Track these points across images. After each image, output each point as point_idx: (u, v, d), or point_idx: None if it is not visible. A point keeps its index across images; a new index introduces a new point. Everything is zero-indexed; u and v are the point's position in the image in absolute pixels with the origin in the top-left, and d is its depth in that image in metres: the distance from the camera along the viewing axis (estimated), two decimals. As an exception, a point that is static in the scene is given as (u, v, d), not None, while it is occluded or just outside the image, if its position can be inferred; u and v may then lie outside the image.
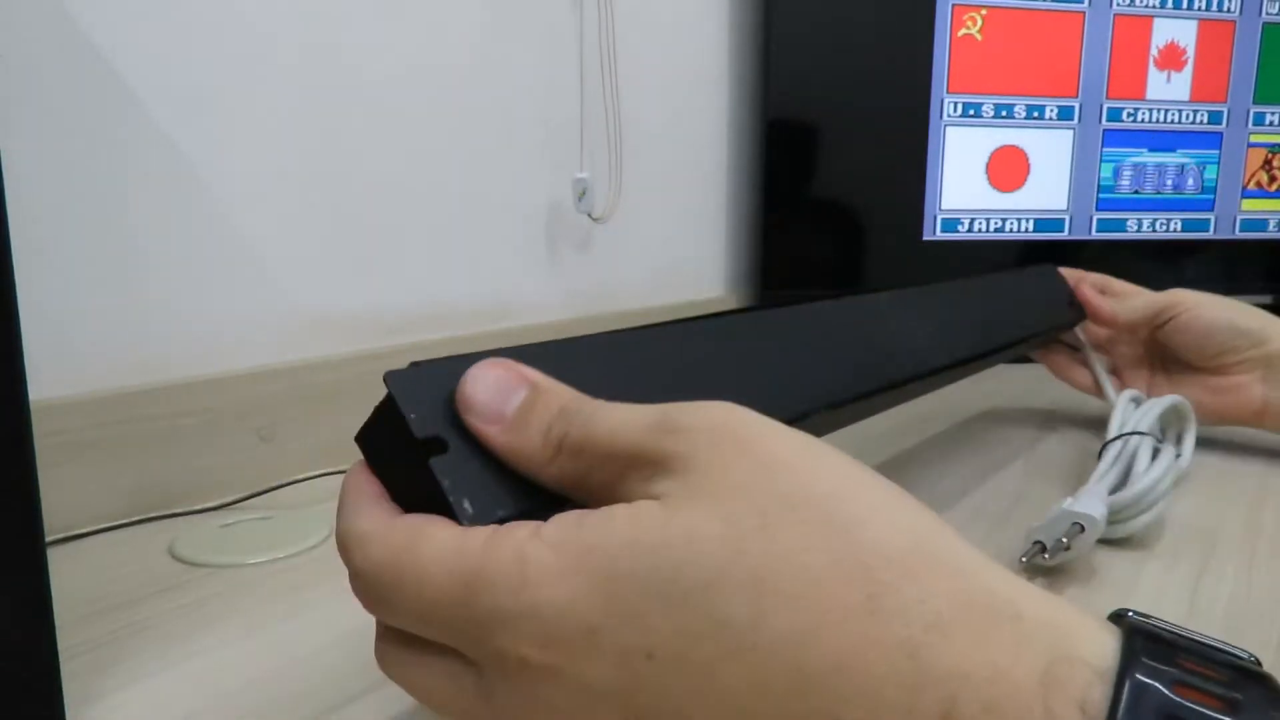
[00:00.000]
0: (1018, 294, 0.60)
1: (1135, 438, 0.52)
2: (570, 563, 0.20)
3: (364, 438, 0.25)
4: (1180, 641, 0.19)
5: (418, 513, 0.23)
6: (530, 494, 0.23)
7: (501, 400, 0.23)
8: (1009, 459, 0.64)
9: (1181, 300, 0.64)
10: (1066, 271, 0.70)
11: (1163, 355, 0.67)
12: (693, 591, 0.19)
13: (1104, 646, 0.18)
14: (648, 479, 0.21)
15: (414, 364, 0.24)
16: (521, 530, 0.21)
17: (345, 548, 0.23)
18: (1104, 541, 0.48)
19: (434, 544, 0.21)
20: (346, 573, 0.23)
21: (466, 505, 0.22)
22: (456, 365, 0.24)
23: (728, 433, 0.21)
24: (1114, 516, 0.46)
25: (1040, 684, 0.17)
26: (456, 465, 0.22)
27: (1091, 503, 0.43)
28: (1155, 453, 0.51)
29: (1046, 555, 0.42)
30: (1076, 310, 0.68)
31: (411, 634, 0.22)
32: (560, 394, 0.23)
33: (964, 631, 0.18)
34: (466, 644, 0.21)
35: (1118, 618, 0.20)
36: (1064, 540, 0.42)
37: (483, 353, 0.24)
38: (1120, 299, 0.67)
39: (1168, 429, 0.59)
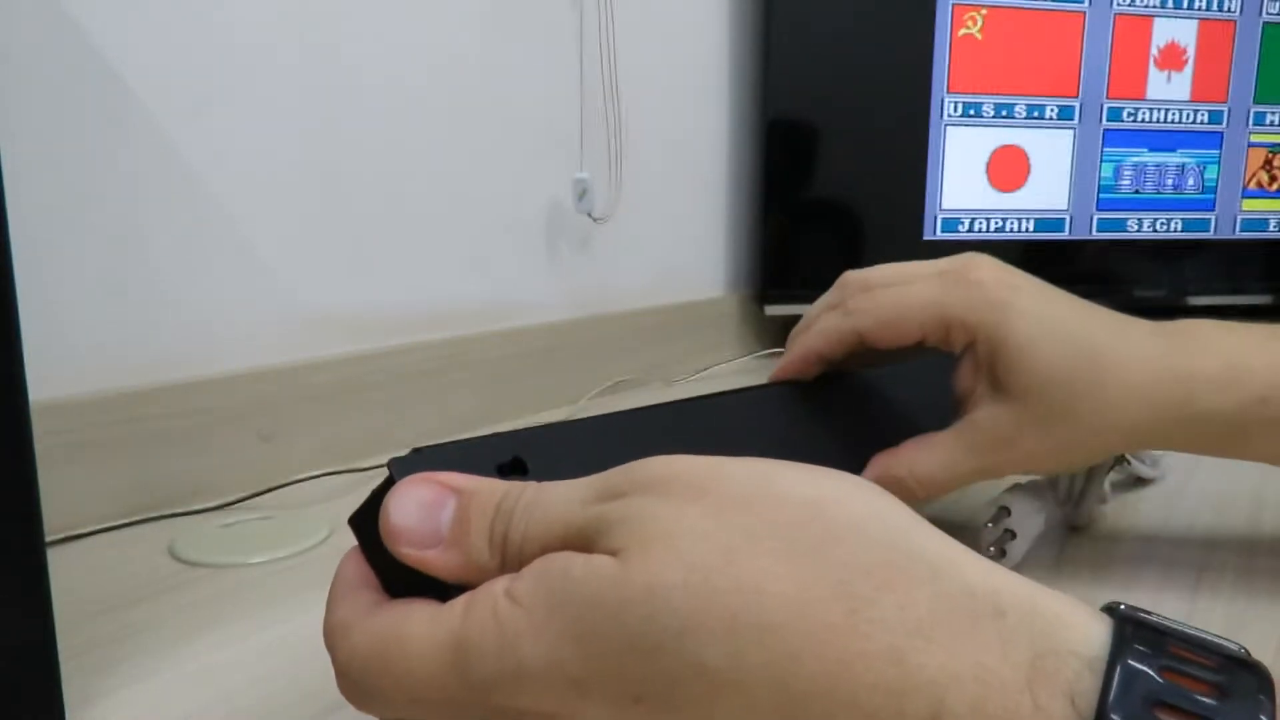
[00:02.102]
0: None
1: None
2: (540, 620, 0.20)
3: (358, 521, 0.25)
4: (1170, 630, 0.19)
5: (407, 596, 0.22)
6: None
7: (431, 520, 0.22)
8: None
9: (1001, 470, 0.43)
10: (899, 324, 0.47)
11: None
12: (665, 641, 0.19)
13: (1092, 636, 0.18)
14: (600, 547, 0.21)
15: (416, 450, 0.24)
16: (497, 586, 0.21)
17: (329, 641, 0.23)
18: (1105, 540, 0.48)
19: (416, 622, 0.21)
20: None
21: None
22: (460, 450, 0.24)
23: (675, 480, 0.21)
24: (1062, 499, 0.48)
25: (1027, 679, 0.17)
26: None
27: (1019, 488, 0.45)
28: None
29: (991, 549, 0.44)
30: None
31: None
32: (490, 492, 0.22)
33: (947, 634, 0.18)
34: (471, 710, 0.21)
35: (1108, 610, 0.20)
36: (987, 523, 0.43)
37: (484, 438, 0.25)
38: (908, 465, 0.42)
39: None
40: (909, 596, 0.18)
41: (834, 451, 0.40)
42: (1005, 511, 0.44)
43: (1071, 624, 0.18)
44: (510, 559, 0.21)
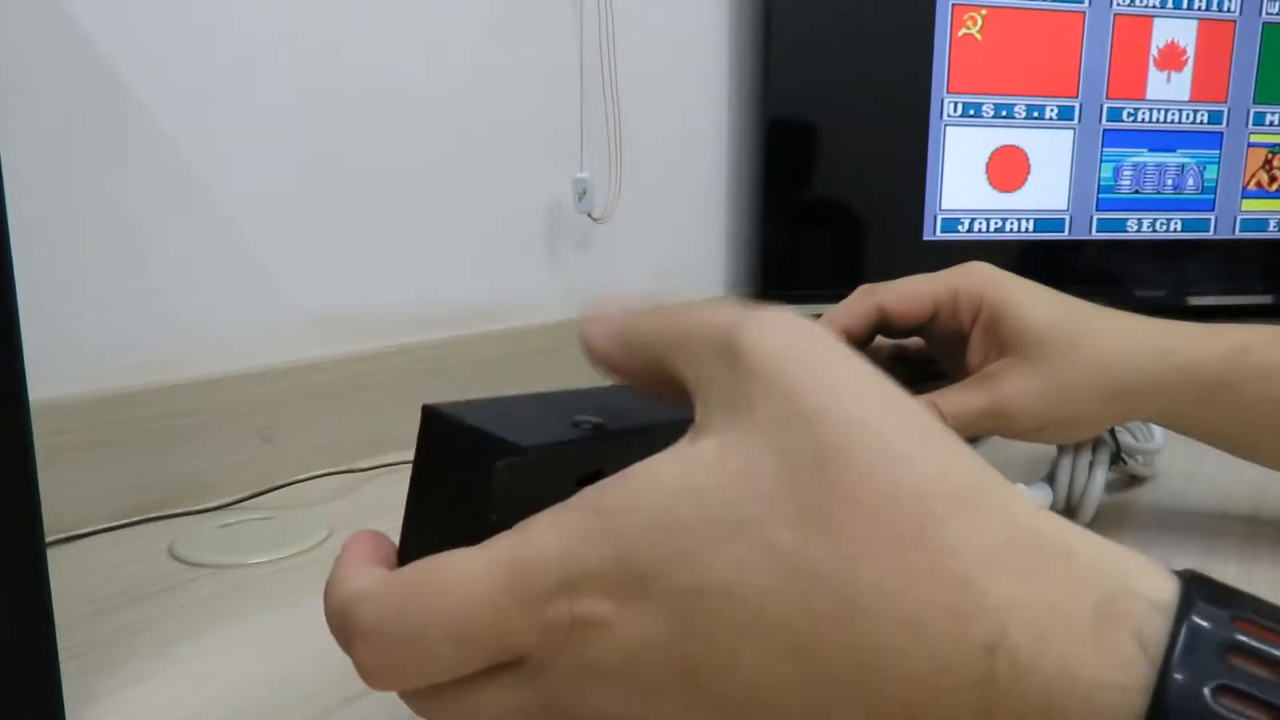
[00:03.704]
0: None
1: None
2: (612, 519, 0.20)
3: (427, 459, 0.25)
4: (1238, 591, 0.19)
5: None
6: None
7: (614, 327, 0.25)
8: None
9: (1017, 424, 0.46)
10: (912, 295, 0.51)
11: None
12: (745, 524, 0.19)
13: (1162, 584, 0.18)
14: (720, 383, 0.21)
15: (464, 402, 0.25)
16: (548, 514, 0.20)
17: (345, 614, 0.21)
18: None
19: (452, 558, 0.20)
20: None
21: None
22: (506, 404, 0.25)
23: (799, 343, 0.21)
24: (1061, 500, 0.48)
25: (1094, 616, 0.17)
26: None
27: (1021, 489, 0.45)
28: (1095, 442, 0.51)
29: None
30: None
31: (440, 684, 0.21)
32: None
33: (1015, 565, 0.18)
34: (518, 633, 0.20)
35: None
36: None
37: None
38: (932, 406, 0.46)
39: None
40: (981, 525, 0.18)
41: None
42: None
43: (1141, 571, 0.18)
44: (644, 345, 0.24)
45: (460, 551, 0.21)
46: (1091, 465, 0.49)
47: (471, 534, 0.21)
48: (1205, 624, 0.17)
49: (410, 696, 0.22)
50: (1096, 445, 0.50)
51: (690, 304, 0.23)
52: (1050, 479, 0.49)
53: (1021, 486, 0.45)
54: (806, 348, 0.21)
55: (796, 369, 0.20)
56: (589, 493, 0.20)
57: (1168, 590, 0.18)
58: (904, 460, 0.19)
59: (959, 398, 0.45)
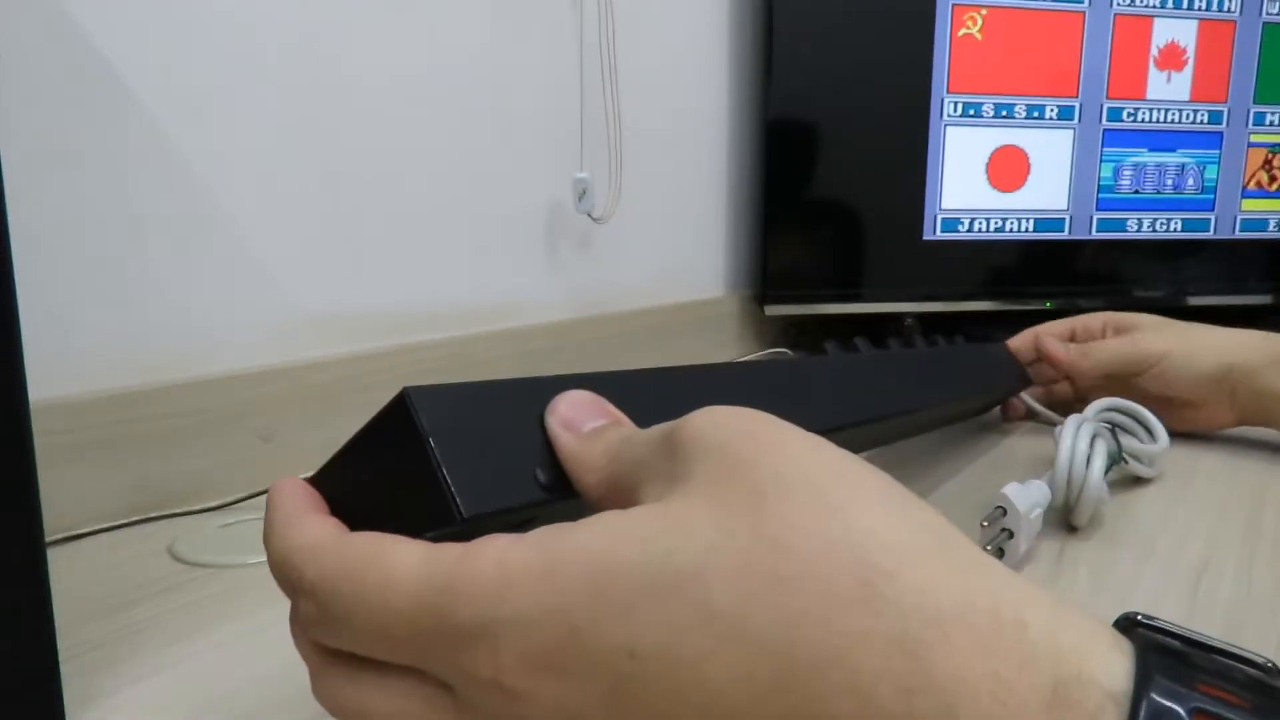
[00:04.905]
0: (980, 366, 0.66)
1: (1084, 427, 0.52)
2: (556, 562, 0.19)
3: (368, 440, 0.24)
4: (1196, 659, 0.18)
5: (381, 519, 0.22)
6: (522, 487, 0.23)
7: (582, 417, 0.25)
8: (978, 458, 0.64)
9: (1149, 355, 0.66)
10: (1024, 335, 0.73)
11: (1135, 387, 0.67)
12: (681, 579, 0.18)
13: (1116, 664, 0.17)
14: (659, 472, 0.21)
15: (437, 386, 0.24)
16: (500, 540, 0.20)
17: (289, 564, 0.22)
18: (1105, 540, 0.48)
19: (401, 553, 0.20)
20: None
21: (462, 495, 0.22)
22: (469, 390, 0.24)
23: (736, 421, 0.21)
24: (1060, 499, 0.49)
25: (1047, 705, 0.16)
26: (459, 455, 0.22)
27: (1015, 487, 0.45)
28: (1094, 439, 0.51)
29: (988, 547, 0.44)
30: (1025, 380, 0.72)
31: (362, 657, 0.21)
32: (630, 427, 0.25)
33: (966, 633, 0.17)
34: (434, 660, 0.20)
35: (1127, 623, 0.19)
36: (984, 522, 0.44)
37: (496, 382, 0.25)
38: (1086, 350, 0.69)
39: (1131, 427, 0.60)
40: (932, 581, 0.17)
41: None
42: (1001, 511, 0.44)
43: (1092, 648, 0.17)
44: (607, 469, 0.23)
45: (409, 548, 0.20)
46: (1089, 461, 0.49)
47: (412, 524, 0.22)
48: (1162, 712, 0.16)
49: (326, 665, 0.22)
50: (1094, 442, 0.50)
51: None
52: (1048, 478, 0.49)
53: (1015, 485, 0.45)
54: (740, 419, 0.21)
55: (731, 435, 0.21)
56: (536, 534, 0.20)
57: (1121, 673, 0.17)
58: (842, 511, 0.18)
59: (1105, 342, 0.68)
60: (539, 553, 0.19)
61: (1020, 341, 0.73)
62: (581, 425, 0.24)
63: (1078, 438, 0.50)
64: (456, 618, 0.19)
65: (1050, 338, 0.70)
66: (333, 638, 0.21)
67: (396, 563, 0.20)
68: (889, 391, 0.47)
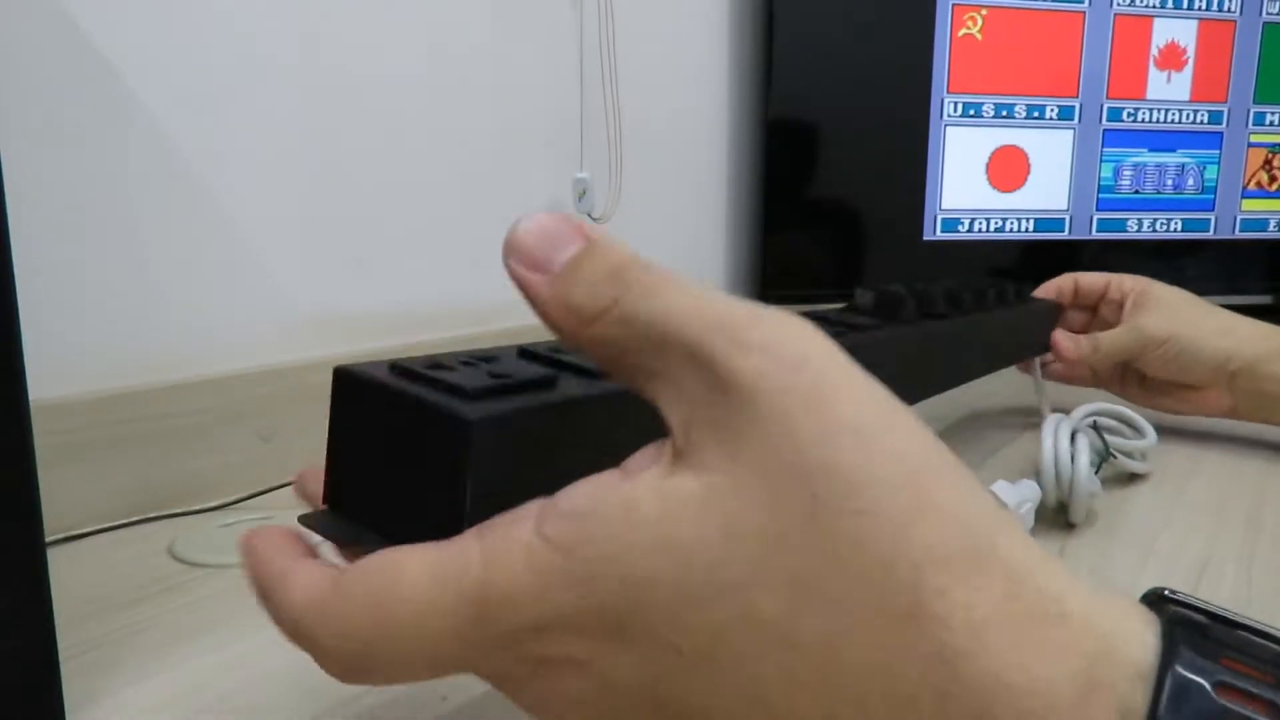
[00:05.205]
0: (1018, 325, 0.66)
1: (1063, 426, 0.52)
2: (590, 570, 0.18)
3: (345, 413, 0.24)
4: (1221, 634, 0.18)
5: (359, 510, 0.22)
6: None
7: (551, 248, 0.21)
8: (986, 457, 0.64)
9: (1153, 339, 0.67)
10: (1055, 284, 0.74)
11: (1136, 369, 0.71)
12: (727, 590, 0.18)
13: (1147, 642, 0.18)
14: (692, 395, 0.19)
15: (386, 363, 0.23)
16: (521, 529, 0.19)
17: (301, 633, 0.20)
18: (1105, 539, 0.48)
19: (415, 575, 0.19)
20: None
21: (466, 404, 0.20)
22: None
23: (799, 374, 0.18)
24: (1052, 497, 0.50)
25: (1081, 693, 0.17)
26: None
27: (1003, 484, 0.46)
28: (1075, 435, 0.52)
29: None
30: (1045, 347, 0.72)
31: None
32: (617, 252, 0.20)
33: (1007, 636, 0.17)
34: (480, 663, 0.19)
35: (1156, 598, 0.19)
36: None
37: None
38: (1095, 343, 0.69)
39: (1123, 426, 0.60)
40: (980, 594, 0.17)
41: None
42: None
43: (1126, 627, 0.18)
44: (605, 325, 0.20)
45: (418, 567, 0.19)
46: (1074, 457, 0.49)
47: (434, 517, 0.20)
48: (1186, 687, 0.17)
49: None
50: (1075, 437, 0.50)
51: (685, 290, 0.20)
52: (1037, 479, 0.49)
53: (1003, 483, 0.46)
54: (805, 365, 0.19)
55: (795, 407, 0.18)
56: (562, 526, 0.18)
57: (1150, 650, 0.17)
58: (907, 526, 0.18)
59: (1117, 329, 0.69)
60: (566, 559, 0.18)
61: (1053, 289, 0.74)
62: (552, 259, 0.21)
63: (1058, 435, 0.50)
64: (502, 624, 0.18)
65: (1061, 334, 0.71)
66: (379, 681, 0.20)
67: (414, 588, 0.19)
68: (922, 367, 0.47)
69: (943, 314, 0.49)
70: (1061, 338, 0.70)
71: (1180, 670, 0.17)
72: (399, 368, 0.23)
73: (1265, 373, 0.63)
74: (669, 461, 0.19)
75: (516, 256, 0.21)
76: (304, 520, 0.23)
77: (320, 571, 0.20)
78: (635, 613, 0.18)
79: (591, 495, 0.19)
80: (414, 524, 0.21)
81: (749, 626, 0.18)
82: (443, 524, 0.20)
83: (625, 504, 0.18)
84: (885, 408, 0.19)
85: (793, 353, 0.19)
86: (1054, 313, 0.72)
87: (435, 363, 0.23)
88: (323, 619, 0.19)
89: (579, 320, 0.20)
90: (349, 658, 0.19)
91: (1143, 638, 0.18)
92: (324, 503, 0.24)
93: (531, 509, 0.19)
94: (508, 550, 0.19)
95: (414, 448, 0.21)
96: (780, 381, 0.18)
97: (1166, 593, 0.20)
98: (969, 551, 0.18)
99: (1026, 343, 0.69)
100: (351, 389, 0.23)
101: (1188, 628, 0.18)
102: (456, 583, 0.18)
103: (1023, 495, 0.46)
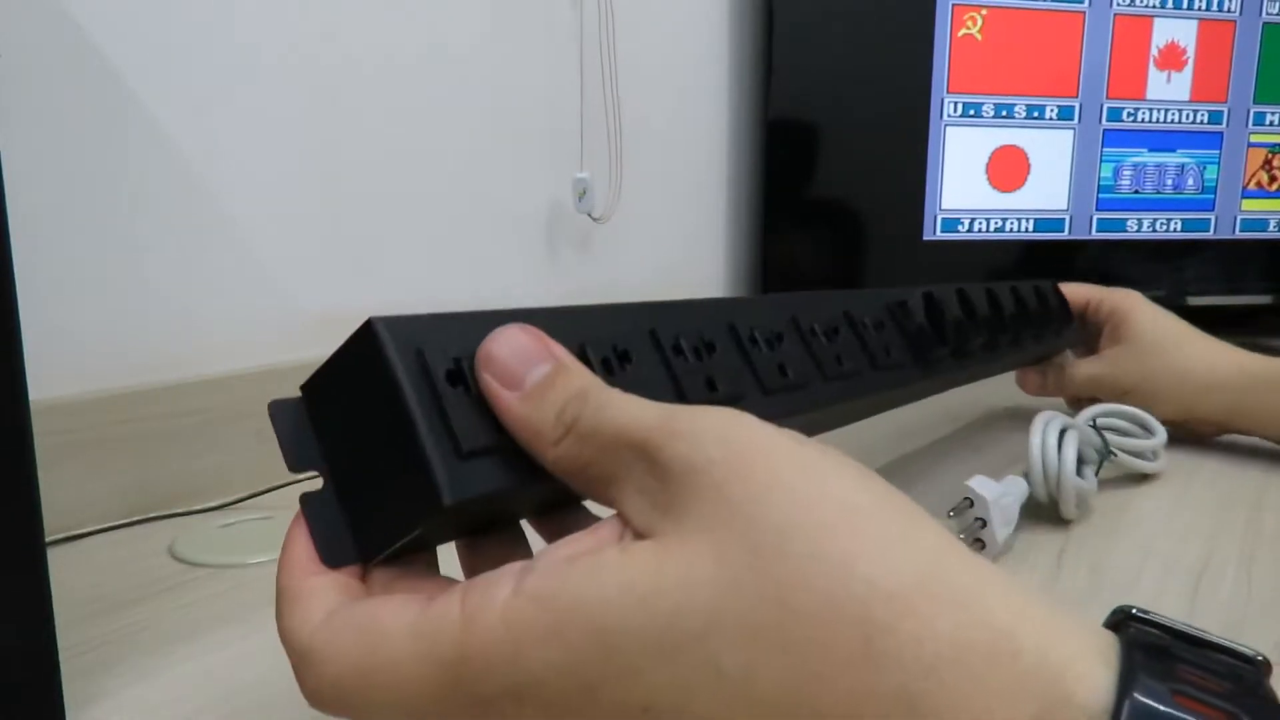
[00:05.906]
0: (1029, 349, 0.64)
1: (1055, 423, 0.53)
2: (562, 622, 0.19)
3: (322, 381, 0.25)
4: (1181, 651, 0.18)
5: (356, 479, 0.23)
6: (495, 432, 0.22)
7: (521, 366, 0.22)
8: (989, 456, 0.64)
9: (1118, 386, 0.65)
10: (1074, 291, 0.72)
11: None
12: (686, 643, 0.18)
13: (1101, 678, 0.17)
14: (641, 486, 0.21)
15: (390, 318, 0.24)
16: (500, 589, 0.20)
17: (292, 663, 0.22)
18: (1105, 539, 0.48)
19: (398, 639, 0.20)
20: None
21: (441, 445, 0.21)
22: (437, 322, 0.23)
23: (725, 449, 0.20)
24: (1041, 493, 0.50)
25: None
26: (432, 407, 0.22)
27: (981, 478, 0.46)
28: (1063, 431, 0.52)
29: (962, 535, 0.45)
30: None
31: None
32: (581, 376, 0.22)
33: (961, 675, 0.17)
34: (463, 716, 0.20)
35: (1122, 616, 0.19)
36: (950, 512, 0.45)
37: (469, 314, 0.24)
38: (1061, 383, 0.69)
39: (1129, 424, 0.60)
40: (929, 628, 0.18)
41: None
42: (969, 503, 0.45)
43: (1081, 666, 0.18)
44: (570, 442, 0.22)
45: (401, 617, 0.20)
46: (1060, 451, 0.49)
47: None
48: (1147, 701, 0.17)
49: None
50: (1064, 434, 0.51)
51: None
52: (1026, 477, 0.50)
53: (985, 479, 0.46)
54: (725, 446, 0.20)
55: (725, 478, 0.20)
56: (537, 580, 0.20)
57: (1104, 691, 0.17)
58: (848, 564, 0.18)
59: (1085, 365, 0.68)
60: (541, 610, 0.19)
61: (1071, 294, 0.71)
62: (523, 378, 0.22)
63: (1046, 432, 0.50)
64: (477, 689, 0.19)
65: (1028, 372, 0.70)
66: None
67: (396, 648, 0.20)
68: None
69: (973, 351, 0.50)
70: (1030, 376, 0.70)
71: (1138, 696, 0.17)
72: (424, 361, 0.23)
73: (1236, 426, 0.64)
74: (631, 540, 0.21)
75: (491, 370, 0.22)
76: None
77: (319, 605, 0.22)
78: (606, 664, 0.19)
79: (568, 557, 0.20)
80: (359, 495, 0.23)
81: (713, 681, 0.18)
82: (386, 526, 0.22)
83: (592, 563, 0.20)
84: (813, 462, 0.20)
85: (715, 436, 0.20)
86: (1063, 326, 0.69)
87: (459, 370, 0.23)
88: (309, 663, 0.21)
89: (545, 442, 0.22)
90: (331, 704, 0.21)
91: (1097, 674, 0.18)
92: (300, 388, 0.26)
93: (514, 569, 0.20)
94: (487, 611, 0.20)
95: (391, 454, 0.22)
96: (707, 459, 0.20)
97: (1135, 611, 0.20)
98: (914, 583, 0.18)
99: (1032, 354, 0.68)
100: (371, 354, 0.24)
101: (1146, 651, 0.18)
102: (436, 646, 0.20)
103: (1005, 490, 0.46)
